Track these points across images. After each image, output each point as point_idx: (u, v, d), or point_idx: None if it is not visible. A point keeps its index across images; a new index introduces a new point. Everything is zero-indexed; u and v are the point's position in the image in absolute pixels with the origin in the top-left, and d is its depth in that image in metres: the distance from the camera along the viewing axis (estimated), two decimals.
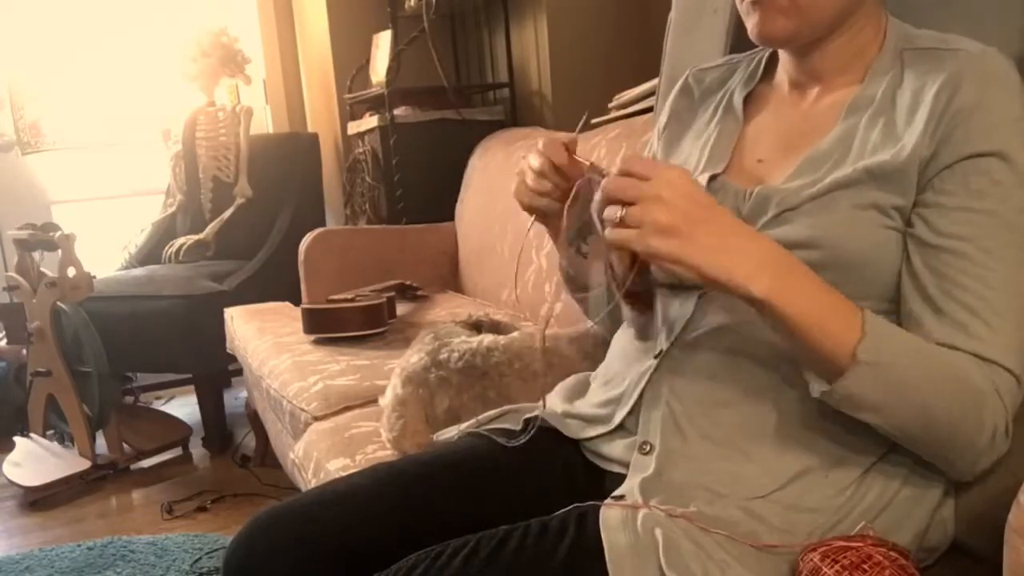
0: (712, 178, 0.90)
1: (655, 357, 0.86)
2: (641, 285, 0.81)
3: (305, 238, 2.52)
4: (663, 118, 1.06)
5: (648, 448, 0.82)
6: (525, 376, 1.16)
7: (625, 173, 0.72)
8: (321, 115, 3.38)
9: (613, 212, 0.71)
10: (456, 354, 1.20)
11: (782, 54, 0.93)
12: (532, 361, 1.17)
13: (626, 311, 0.89)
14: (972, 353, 0.74)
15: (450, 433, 1.03)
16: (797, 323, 0.71)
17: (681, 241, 0.69)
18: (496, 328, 1.39)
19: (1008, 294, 0.75)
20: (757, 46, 1.01)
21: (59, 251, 2.55)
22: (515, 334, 1.28)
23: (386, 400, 1.27)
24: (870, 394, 0.72)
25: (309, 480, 1.36)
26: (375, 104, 2.79)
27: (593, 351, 1.20)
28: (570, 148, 0.86)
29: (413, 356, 1.26)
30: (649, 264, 0.76)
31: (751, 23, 0.85)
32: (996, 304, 0.74)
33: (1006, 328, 0.74)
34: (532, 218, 0.93)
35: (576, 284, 0.97)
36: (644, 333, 0.89)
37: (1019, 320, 0.75)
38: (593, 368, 1.00)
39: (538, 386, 1.14)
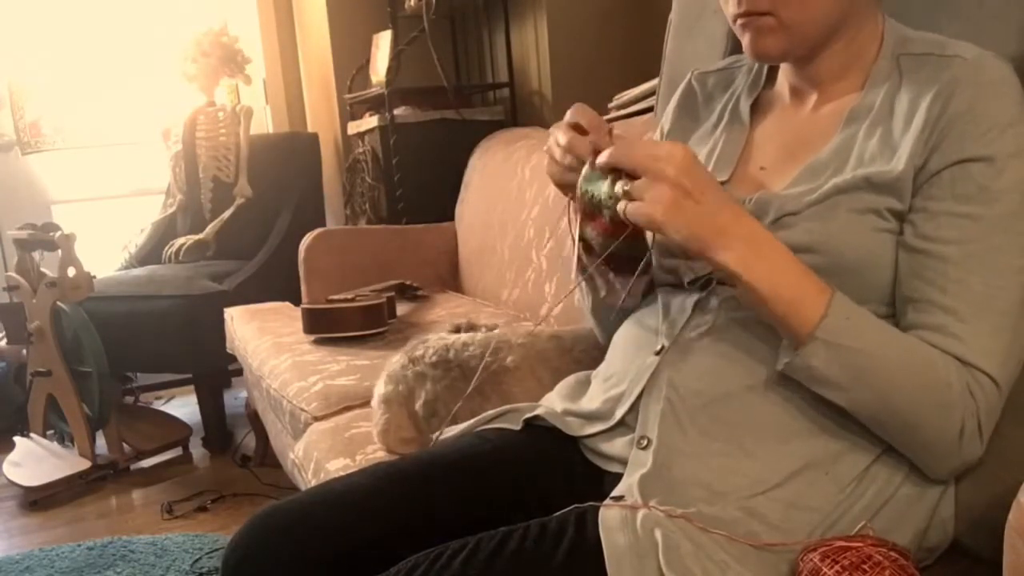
0: None
1: (656, 354, 0.86)
2: (628, 250, 0.84)
3: (305, 238, 2.52)
4: (667, 122, 1.06)
5: (645, 443, 0.82)
6: (497, 370, 1.19)
7: (628, 148, 0.76)
8: (321, 115, 3.38)
9: (618, 184, 0.76)
10: (431, 350, 1.25)
11: None
12: (505, 356, 1.21)
13: (608, 276, 0.90)
14: (953, 355, 0.75)
15: (450, 433, 1.03)
16: (765, 296, 0.75)
17: (674, 214, 0.73)
18: (473, 330, 1.42)
19: (989, 298, 0.75)
20: None
21: (59, 251, 2.55)
22: (496, 332, 1.32)
23: (374, 400, 1.31)
24: (828, 372, 0.75)
25: (309, 480, 1.36)
26: (375, 104, 2.79)
27: (572, 345, 1.22)
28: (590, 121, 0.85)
29: (395, 358, 1.31)
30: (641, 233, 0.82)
31: (744, 42, 0.86)
32: (977, 308, 0.75)
33: (986, 331, 0.75)
34: (569, 198, 0.90)
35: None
36: (614, 298, 0.90)
37: (999, 324, 0.75)
38: (573, 364, 1.01)
39: (510, 379, 1.17)
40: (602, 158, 0.77)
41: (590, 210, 0.81)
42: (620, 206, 0.76)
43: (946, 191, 0.77)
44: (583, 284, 0.98)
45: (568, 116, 0.84)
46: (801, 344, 0.75)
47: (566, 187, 0.86)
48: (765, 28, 0.83)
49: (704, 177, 0.75)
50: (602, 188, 0.78)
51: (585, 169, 0.80)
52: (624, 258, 0.86)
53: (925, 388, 0.75)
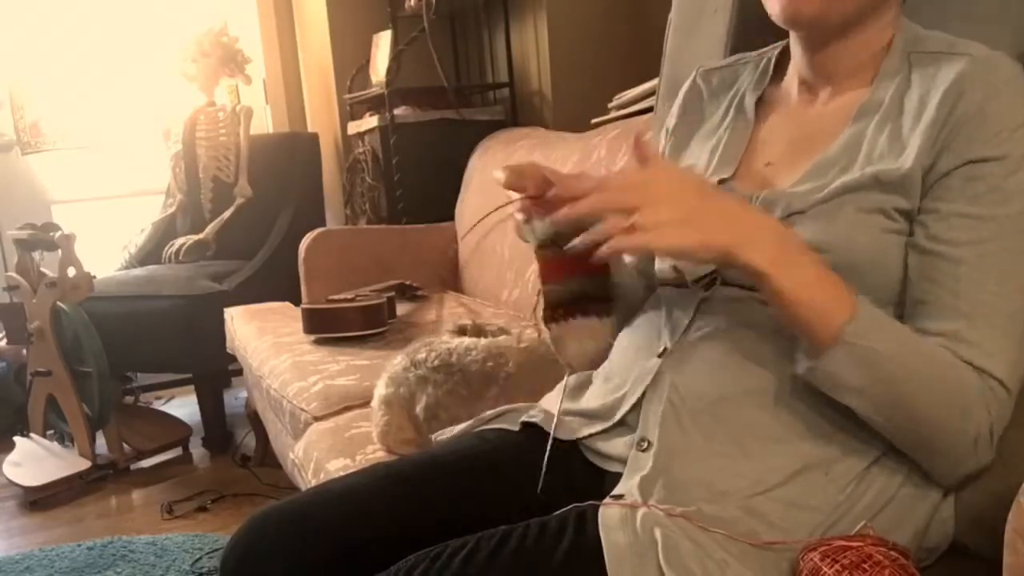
0: (720, 183, 0.90)
1: (658, 356, 0.86)
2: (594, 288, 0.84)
3: (305, 238, 2.52)
4: (672, 119, 1.06)
5: (646, 445, 0.82)
6: (498, 375, 1.20)
7: (612, 187, 0.74)
8: (321, 115, 3.38)
9: (617, 222, 0.72)
10: (434, 354, 1.25)
11: (794, 51, 0.92)
12: (506, 362, 1.21)
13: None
14: (965, 360, 0.75)
15: (449, 433, 1.03)
16: (792, 298, 0.73)
17: (694, 229, 0.72)
18: (479, 332, 1.43)
19: (1003, 300, 0.75)
20: (759, 47, 1.01)
21: (59, 251, 2.55)
22: (501, 339, 1.31)
23: (374, 401, 1.31)
24: (852, 377, 0.73)
25: (309, 480, 1.36)
26: (375, 104, 2.79)
27: None
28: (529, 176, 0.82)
29: (397, 359, 1.31)
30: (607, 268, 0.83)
31: (776, 2, 0.84)
32: (990, 311, 0.75)
33: (999, 336, 0.75)
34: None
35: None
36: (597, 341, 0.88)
37: (1012, 327, 0.75)
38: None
39: (511, 385, 1.18)
40: (575, 209, 0.73)
41: (548, 259, 0.82)
42: (615, 243, 0.71)
43: (957, 192, 0.76)
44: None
45: (504, 183, 0.82)
46: (826, 348, 0.73)
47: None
48: None
49: (700, 182, 0.75)
50: (542, 228, 0.79)
51: (531, 224, 0.81)
52: (591, 297, 0.86)
53: (947, 394, 0.74)
